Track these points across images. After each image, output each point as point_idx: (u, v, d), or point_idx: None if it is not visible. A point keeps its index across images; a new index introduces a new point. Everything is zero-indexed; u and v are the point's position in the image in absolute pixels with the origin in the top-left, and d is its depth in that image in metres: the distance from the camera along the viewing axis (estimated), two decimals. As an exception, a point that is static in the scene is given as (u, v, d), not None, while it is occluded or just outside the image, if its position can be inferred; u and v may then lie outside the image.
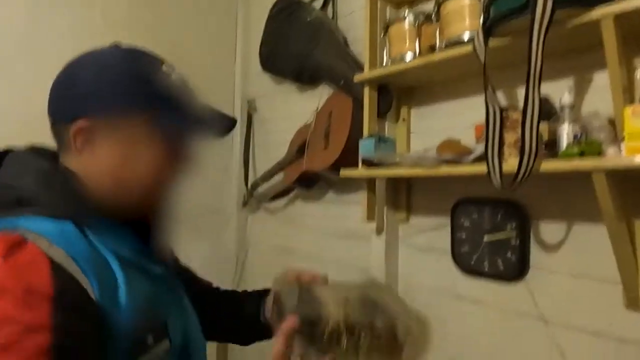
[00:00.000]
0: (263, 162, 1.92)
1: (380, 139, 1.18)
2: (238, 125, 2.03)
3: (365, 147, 1.16)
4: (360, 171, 1.19)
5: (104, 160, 0.58)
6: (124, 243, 0.57)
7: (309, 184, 1.59)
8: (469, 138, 1.07)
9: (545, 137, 0.88)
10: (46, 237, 0.50)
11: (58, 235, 0.51)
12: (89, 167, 0.59)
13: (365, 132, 1.25)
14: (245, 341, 0.88)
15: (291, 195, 1.77)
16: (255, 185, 1.86)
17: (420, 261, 1.29)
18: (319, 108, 1.57)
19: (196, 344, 0.66)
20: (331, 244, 1.59)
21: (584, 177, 0.84)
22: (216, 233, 2.03)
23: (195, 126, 0.62)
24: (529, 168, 0.79)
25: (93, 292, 0.49)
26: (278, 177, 1.79)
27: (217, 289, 0.92)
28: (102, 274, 0.51)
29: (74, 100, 0.59)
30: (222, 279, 2.00)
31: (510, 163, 0.85)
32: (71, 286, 0.48)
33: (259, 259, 1.98)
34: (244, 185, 1.97)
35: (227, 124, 0.67)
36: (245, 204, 1.96)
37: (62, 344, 0.45)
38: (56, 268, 0.48)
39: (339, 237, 1.56)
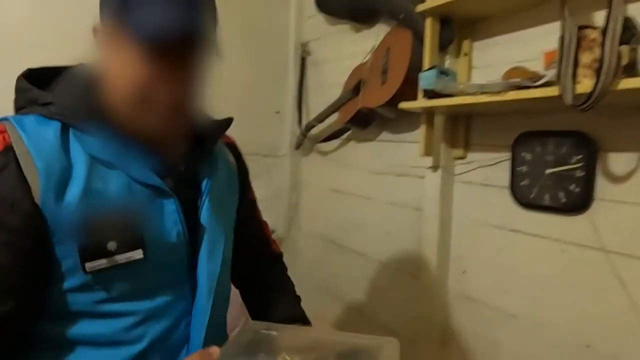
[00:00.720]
0: (317, 104, 1.94)
1: (442, 71, 1.16)
2: (292, 68, 2.05)
3: (426, 79, 1.15)
4: (420, 102, 1.19)
5: (103, 67, 0.59)
6: (114, 150, 0.57)
7: (364, 123, 1.60)
8: (536, 69, 1.03)
9: (625, 60, 0.84)
10: (20, 131, 0.54)
11: (32, 132, 0.54)
12: (100, 73, 0.59)
13: (426, 66, 1.24)
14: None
15: (345, 136, 1.79)
16: (309, 127, 1.89)
17: (476, 197, 1.30)
18: (376, 46, 1.56)
19: (208, 273, 0.63)
20: (384, 184, 1.62)
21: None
22: (269, 175, 2.09)
23: (148, 34, 0.53)
24: (605, 86, 0.77)
25: (39, 188, 0.52)
26: (332, 119, 1.81)
27: (273, 272, 0.88)
28: (57, 173, 0.53)
29: (99, 6, 0.60)
30: (274, 220, 2.10)
31: (584, 84, 0.82)
32: (8, 178, 0.52)
33: (312, 201, 2.04)
34: (297, 128, 2.01)
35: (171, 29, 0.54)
36: (298, 146, 2.00)
37: None
38: (3, 159, 0.52)
39: (393, 177, 1.58)
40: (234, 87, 2.04)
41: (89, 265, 0.53)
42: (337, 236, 1.85)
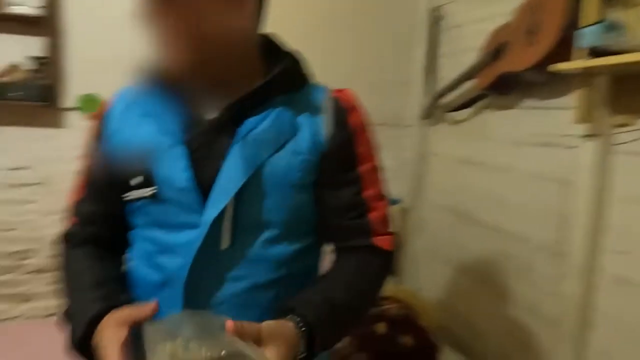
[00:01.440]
0: (448, 71, 1.86)
1: (609, 26, 1.03)
2: (421, 34, 2.00)
3: (590, 35, 1.03)
4: (580, 62, 1.07)
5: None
6: (154, 104, 0.66)
7: (505, 89, 1.49)
8: None
9: None
10: (119, 94, 0.71)
11: (117, 97, 0.71)
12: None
13: (586, 21, 1.10)
14: None
15: (480, 104, 1.70)
16: (440, 95, 1.83)
17: (643, 169, 1.14)
18: (521, 4, 1.43)
19: (202, 222, 0.63)
20: (525, 154, 1.51)
21: None
22: (395, 146, 2.09)
23: None
24: None
25: (106, 133, 0.69)
26: (465, 86, 1.73)
27: (346, 260, 0.70)
28: (111, 125, 0.69)
29: None
30: (400, 191, 2.10)
31: None
32: (99, 125, 0.70)
33: (440, 172, 2.00)
34: (426, 97, 1.96)
35: None
36: (427, 115, 1.96)
37: (87, 155, 0.71)
38: (105, 112, 0.70)
39: (536, 147, 1.47)
40: (359, 56, 2.06)
41: (124, 196, 0.67)
42: (468, 209, 1.79)
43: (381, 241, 0.69)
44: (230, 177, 0.63)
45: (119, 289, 0.66)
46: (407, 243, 2.09)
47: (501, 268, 1.62)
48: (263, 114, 0.65)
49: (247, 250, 0.64)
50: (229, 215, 0.63)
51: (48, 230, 1.83)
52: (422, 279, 2.06)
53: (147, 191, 0.64)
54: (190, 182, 0.63)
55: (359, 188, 0.69)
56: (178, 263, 0.63)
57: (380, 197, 0.70)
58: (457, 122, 1.85)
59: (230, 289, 0.64)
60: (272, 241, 0.66)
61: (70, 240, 0.70)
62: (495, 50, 1.50)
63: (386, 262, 0.70)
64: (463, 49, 1.78)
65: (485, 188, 1.70)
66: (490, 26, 1.58)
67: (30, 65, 1.70)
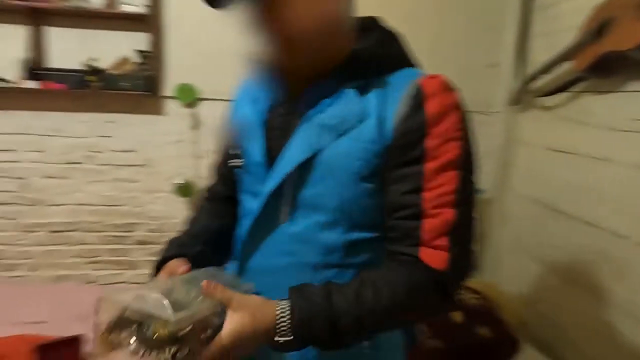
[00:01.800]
0: (541, 53, 1.73)
1: None
2: (511, 15, 1.87)
3: None
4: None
5: None
6: (260, 91, 0.73)
7: (607, 70, 1.36)
8: None
9: None
10: (242, 82, 0.80)
11: (243, 82, 0.80)
12: None
13: None
14: None
15: (575, 87, 1.56)
16: (531, 79, 1.72)
17: None
18: (632, -25, 1.28)
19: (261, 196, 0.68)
20: (629, 143, 1.37)
21: None
22: (479, 133, 1.99)
23: None
24: None
25: (231, 113, 0.79)
26: (560, 69, 1.60)
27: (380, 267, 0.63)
28: (235, 105, 0.79)
29: None
30: (483, 180, 2.00)
31: None
32: (230, 107, 0.80)
33: (528, 161, 1.88)
34: (515, 81, 1.85)
35: None
36: (516, 101, 1.85)
37: (224, 128, 0.80)
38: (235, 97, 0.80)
39: (642, 134, 1.33)
40: (445, 37, 1.99)
41: (227, 163, 0.76)
42: (558, 201, 1.67)
43: (429, 255, 0.58)
44: (290, 156, 0.66)
45: (203, 242, 0.75)
46: (490, 234, 2.01)
47: (593, 266, 1.49)
48: (331, 98, 0.65)
49: (301, 229, 0.66)
50: (289, 192, 0.66)
51: (149, 207, 2.05)
52: (504, 272, 1.97)
53: (238, 161, 0.74)
54: (262, 157, 0.69)
55: (417, 186, 0.60)
56: (246, 226, 0.72)
57: (447, 204, 0.59)
58: (548, 107, 1.72)
59: (278, 261, 0.68)
60: (325, 226, 0.65)
61: (208, 192, 0.85)
62: (598, 28, 1.37)
63: (432, 284, 0.58)
64: (558, 29, 1.64)
65: (577, 179, 1.57)
66: (590, 3, 1.44)
67: (136, 58, 1.90)
